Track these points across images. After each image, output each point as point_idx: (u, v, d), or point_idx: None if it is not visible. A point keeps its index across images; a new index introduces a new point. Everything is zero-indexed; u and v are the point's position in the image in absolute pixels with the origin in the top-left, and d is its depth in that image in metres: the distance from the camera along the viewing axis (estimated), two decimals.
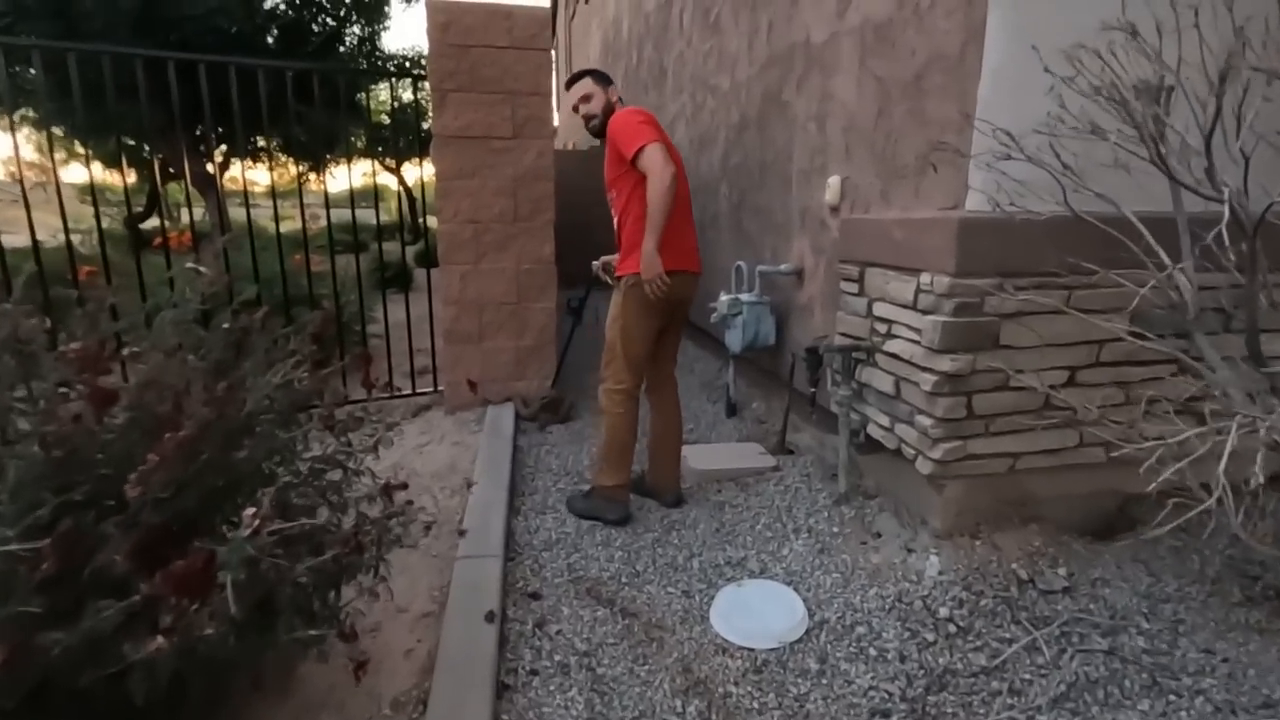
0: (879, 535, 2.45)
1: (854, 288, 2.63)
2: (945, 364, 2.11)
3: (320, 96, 3.63)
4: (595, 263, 2.90)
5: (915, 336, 2.23)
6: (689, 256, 2.56)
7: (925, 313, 2.18)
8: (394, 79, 3.79)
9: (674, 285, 2.40)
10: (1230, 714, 1.59)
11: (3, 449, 1.16)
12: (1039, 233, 2.02)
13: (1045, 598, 2.04)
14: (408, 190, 14.85)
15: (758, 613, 2.07)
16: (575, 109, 2.68)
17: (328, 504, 1.57)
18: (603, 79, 2.67)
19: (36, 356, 1.36)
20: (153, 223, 9.76)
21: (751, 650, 1.94)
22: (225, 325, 1.44)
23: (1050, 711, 1.66)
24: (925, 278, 2.17)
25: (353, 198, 3.95)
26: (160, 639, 1.00)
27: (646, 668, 1.89)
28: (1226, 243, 1.58)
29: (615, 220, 2.61)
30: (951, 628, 1.98)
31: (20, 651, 0.93)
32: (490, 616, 1.93)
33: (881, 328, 2.45)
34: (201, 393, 1.34)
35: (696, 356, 5.01)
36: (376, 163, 13.68)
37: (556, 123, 7.14)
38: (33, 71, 6.60)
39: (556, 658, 1.91)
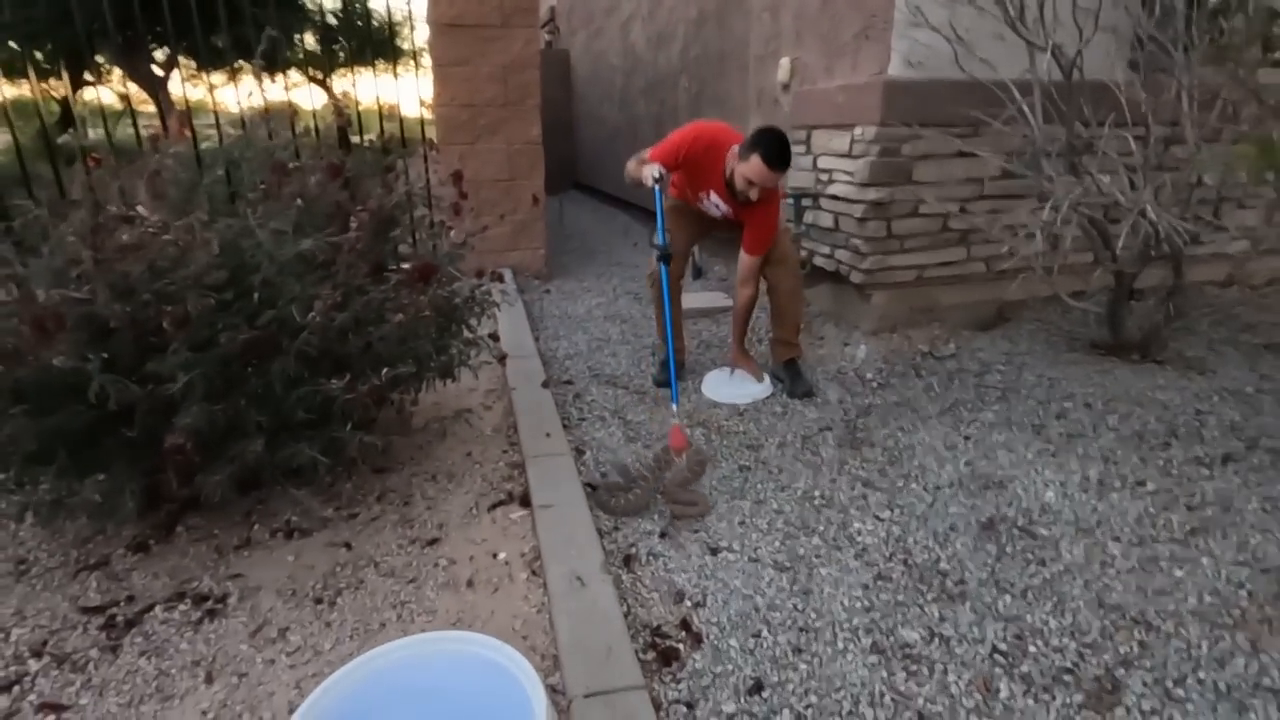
0: (822, 338, 3.22)
1: (802, 148, 3.29)
2: (871, 195, 2.82)
3: None
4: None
5: (849, 178, 2.93)
6: None
7: (857, 158, 2.87)
8: None
9: None
10: (1046, 403, 2.45)
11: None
12: (945, 92, 2.71)
13: (939, 361, 2.87)
14: (338, 106, 14.43)
15: (737, 384, 2.81)
16: (749, 181, 2.32)
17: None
18: None
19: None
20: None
21: (735, 405, 2.69)
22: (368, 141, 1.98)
23: (938, 416, 2.48)
24: (858, 130, 2.85)
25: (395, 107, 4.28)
26: (399, 315, 1.62)
27: (660, 416, 2.61)
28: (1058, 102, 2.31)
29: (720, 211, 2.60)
30: (874, 384, 2.77)
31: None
32: (545, 384, 2.61)
33: (824, 177, 3.14)
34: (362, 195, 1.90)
35: None
36: (306, 76, 13.21)
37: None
38: None
39: (595, 412, 2.61)
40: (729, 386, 2.79)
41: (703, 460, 2.08)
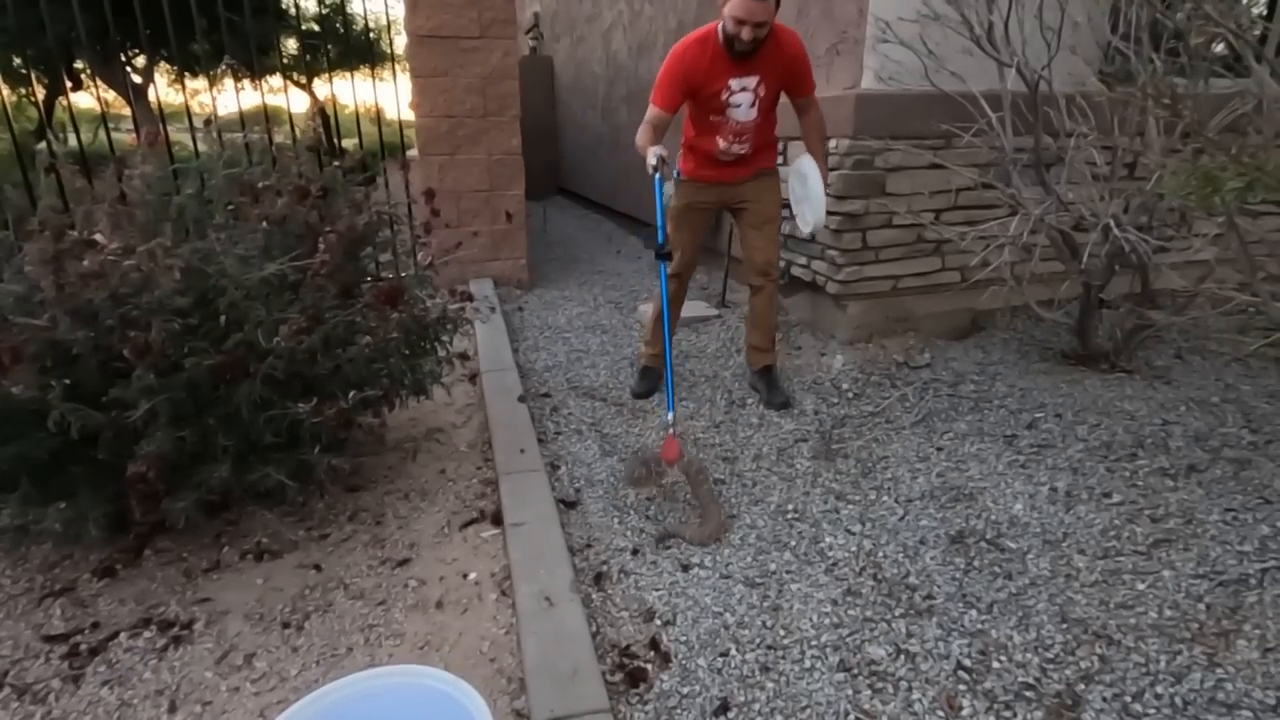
0: (799, 348, 3.24)
1: (779, 159, 3.30)
2: (846, 206, 2.84)
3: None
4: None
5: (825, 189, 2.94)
6: None
7: (833, 170, 2.89)
8: None
9: None
10: (1018, 413, 2.47)
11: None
12: (916, 105, 2.74)
13: (914, 371, 2.89)
14: (321, 109, 14.40)
15: None
16: (739, 22, 2.16)
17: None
18: None
19: None
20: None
21: (710, 416, 2.70)
22: (336, 164, 1.98)
23: (912, 427, 2.50)
24: (832, 143, 2.87)
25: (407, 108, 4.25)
26: (367, 338, 1.61)
27: (638, 429, 2.62)
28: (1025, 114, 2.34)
29: (748, 121, 2.47)
30: (850, 394, 2.79)
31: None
32: (521, 398, 2.60)
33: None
34: (332, 217, 1.89)
35: (641, 239, 5.65)
36: (285, 79, 13.17)
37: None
38: None
39: (572, 425, 2.61)
40: None
41: (701, 469, 2.08)
